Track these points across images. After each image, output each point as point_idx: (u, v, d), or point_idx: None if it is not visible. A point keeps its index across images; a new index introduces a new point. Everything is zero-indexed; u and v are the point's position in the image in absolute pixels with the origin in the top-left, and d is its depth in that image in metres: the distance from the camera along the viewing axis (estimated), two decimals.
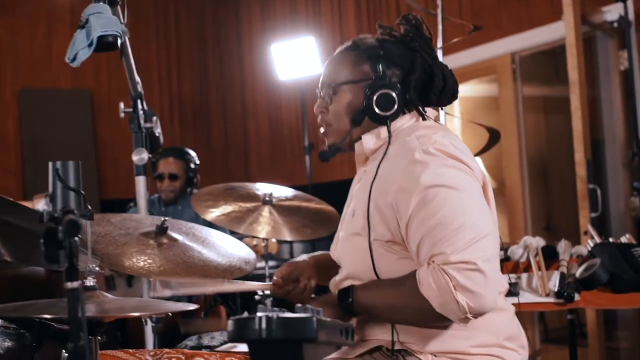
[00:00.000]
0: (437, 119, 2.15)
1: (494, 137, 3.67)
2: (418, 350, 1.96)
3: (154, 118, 3.32)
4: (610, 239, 3.21)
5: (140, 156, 3.14)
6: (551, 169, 6.97)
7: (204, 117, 8.24)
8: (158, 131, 3.34)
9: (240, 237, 3.91)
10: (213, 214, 3.23)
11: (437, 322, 1.90)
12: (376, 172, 2.01)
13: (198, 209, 3.29)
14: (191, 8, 8.19)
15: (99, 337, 1.96)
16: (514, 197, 5.86)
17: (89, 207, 1.72)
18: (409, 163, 1.93)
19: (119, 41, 2.41)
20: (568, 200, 5.38)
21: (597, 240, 3.18)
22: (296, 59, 6.28)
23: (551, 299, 2.87)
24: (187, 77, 8.16)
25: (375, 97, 2.05)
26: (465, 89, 7.28)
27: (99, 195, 7.39)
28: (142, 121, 3.26)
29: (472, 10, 5.89)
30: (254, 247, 3.98)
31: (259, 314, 1.36)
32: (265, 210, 3.27)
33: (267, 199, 3.27)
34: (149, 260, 2.67)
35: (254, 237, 3.76)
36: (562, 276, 2.92)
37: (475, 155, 4.84)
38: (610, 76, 5.10)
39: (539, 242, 3.13)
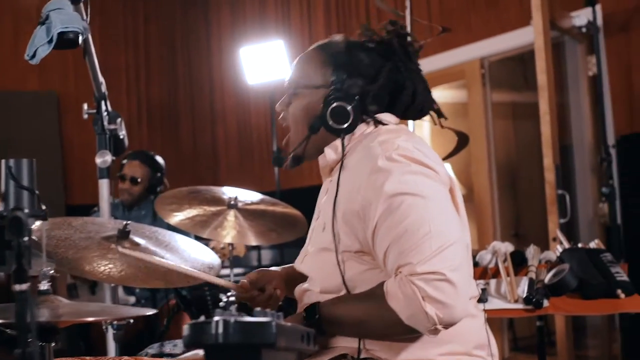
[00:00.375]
0: (399, 123, 2.10)
1: (463, 140, 3.63)
2: (384, 358, 1.91)
3: (118, 120, 3.25)
4: (579, 245, 3.18)
5: (104, 158, 3.08)
6: (520, 175, 6.96)
7: (173, 121, 8.16)
8: (122, 133, 3.28)
9: (207, 240, 3.86)
10: (177, 217, 3.16)
11: (406, 334, 1.84)
12: (338, 184, 1.97)
13: (162, 213, 3.22)
14: (160, 10, 8.11)
15: (54, 344, 1.90)
16: (483, 203, 5.85)
17: (43, 206, 1.66)
18: (372, 171, 1.87)
19: (80, 38, 2.36)
20: (537, 206, 5.38)
21: (566, 245, 3.15)
22: (265, 62, 6.23)
23: (520, 306, 2.83)
24: (155, 81, 8.08)
25: (330, 110, 2.01)
26: (435, 95, 7.24)
27: (65, 199, 7.29)
28: (105, 123, 3.19)
29: (441, 15, 5.88)
30: (220, 250, 3.92)
31: (216, 318, 1.31)
32: (231, 214, 3.21)
33: (232, 202, 3.21)
34: (110, 265, 2.61)
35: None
36: (531, 282, 2.89)
37: (444, 159, 4.84)
38: (578, 81, 5.10)
39: (507, 247, 3.10)
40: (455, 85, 6.74)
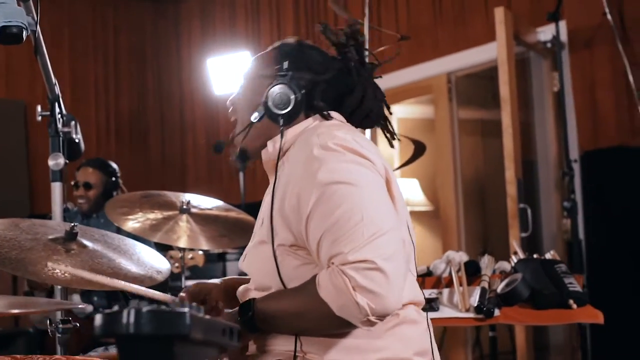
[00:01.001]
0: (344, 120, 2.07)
1: (419, 149, 3.61)
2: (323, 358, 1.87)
3: (72, 122, 3.20)
4: (534, 256, 3.16)
5: (57, 161, 3.03)
6: (489, 193, 6.96)
7: (142, 132, 8.10)
8: (78, 137, 3.23)
9: (168, 249, 3.80)
10: (128, 221, 3.11)
11: (341, 327, 1.80)
12: (275, 176, 1.95)
13: (112, 216, 3.17)
14: (131, 22, 8.07)
15: None
16: (449, 219, 5.83)
17: None
18: (307, 160, 1.84)
19: (24, 33, 2.30)
20: (504, 224, 5.36)
21: (522, 256, 3.13)
22: (232, 73, 6.20)
23: (471, 315, 2.80)
24: (125, 91, 8.02)
25: (271, 93, 1.99)
26: (403, 110, 7.28)
27: (30, 209, 7.20)
28: (59, 125, 3.14)
29: (409, 29, 5.88)
30: (179, 260, 3.86)
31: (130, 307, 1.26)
32: (183, 219, 3.17)
33: (184, 207, 3.17)
34: (55, 267, 2.56)
35: (180, 249, 3.65)
36: (483, 291, 2.86)
37: (401, 166, 4.84)
38: (543, 97, 5.10)
39: (462, 257, 3.08)
40: (423, 101, 6.74)
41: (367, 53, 2.13)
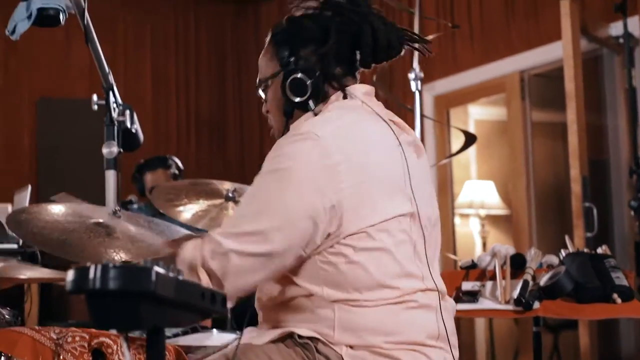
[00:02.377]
0: (369, 93, 2.04)
1: (470, 140, 3.55)
2: (331, 341, 1.86)
3: (127, 112, 3.25)
4: (585, 250, 3.07)
5: (110, 149, 3.09)
6: (564, 197, 6.80)
7: (221, 131, 8.21)
8: (135, 127, 3.29)
9: None
10: (173, 208, 3.15)
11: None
12: None
13: (157, 203, 3.22)
14: (211, 22, 8.19)
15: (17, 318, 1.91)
16: (520, 222, 5.70)
17: None
18: None
19: (61, 16, 2.36)
20: None
21: (571, 250, 3.04)
22: None
23: (509, 307, 2.74)
24: (205, 91, 8.15)
25: (286, 88, 1.97)
26: (479, 112, 7.18)
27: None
28: (114, 114, 3.20)
29: (482, 27, 5.80)
30: None
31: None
32: (228, 207, 3.19)
33: (230, 195, 3.19)
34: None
35: None
36: (525, 284, 2.79)
37: (450, 156, 4.76)
38: (616, 95, 4.95)
39: (508, 250, 3.01)
40: (498, 102, 6.63)
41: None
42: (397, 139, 1.96)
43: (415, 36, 2.10)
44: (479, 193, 6.94)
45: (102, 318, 1.29)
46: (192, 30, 8.15)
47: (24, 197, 3.90)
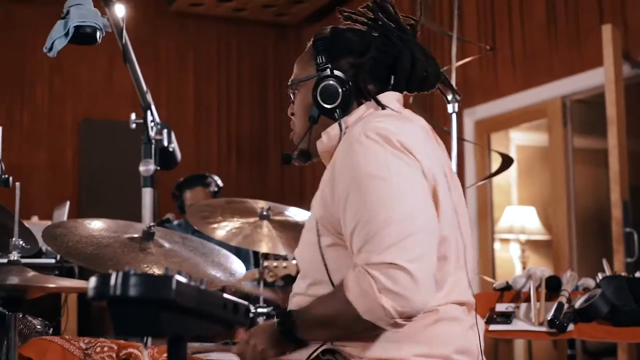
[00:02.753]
0: (400, 101, 2.04)
1: (507, 162, 3.52)
2: (356, 355, 1.84)
3: (165, 131, 3.28)
4: (623, 273, 3.02)
5: (147, 167, 3.12)
6: (606, 224, 6.71)
7: (262, 155, 8.26)
8: (172, 146, 3.31)
9: (265, 257, 3.83)
10: (208, 226, 3.17)
11: (371, 330, 1.76)
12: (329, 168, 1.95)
13: (192, 219, 3.24)
14: (253, 46, 8.27)
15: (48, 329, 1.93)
16: (561, 249, 5.63)
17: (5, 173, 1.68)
18: (348, 150, 1.82)
19: (98, 34, 2.40)
20: None
21: (608, 273, 2.99)
22: None
23: (543, 328, 2.70)
24: (246, 114, 8.21)
25: (318, 91, 1.97)
26: (521, 137, 7.13)
27: (158, 216, 7.44)
28: (151, 132, 3.22)
29: (524, 52, 5.78)
30: (273, 268, 3.88)
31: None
32: (263, 225, 3.20)
33: (264, 213, 3.21)
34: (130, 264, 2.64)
35: (277, 257, 3.69)
36: (560, 306, 2.75)
37: (485, 179, 4.72)
38: None
39: (543, 272, 2.98)
40: (540, 128, 6.58)
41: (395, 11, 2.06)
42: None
43: (448, 82, 2.13)
44: (520, 218, 6.89)
45: (123, 325, 1.29)
46: (234, 54, 8.23)
47: (63, 213, 3.96)
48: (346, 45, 2.01)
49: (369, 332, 1.79)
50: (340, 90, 1.96)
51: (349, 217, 1.76)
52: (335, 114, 1.97)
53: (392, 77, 2.02)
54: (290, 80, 2.12)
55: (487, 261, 6.16)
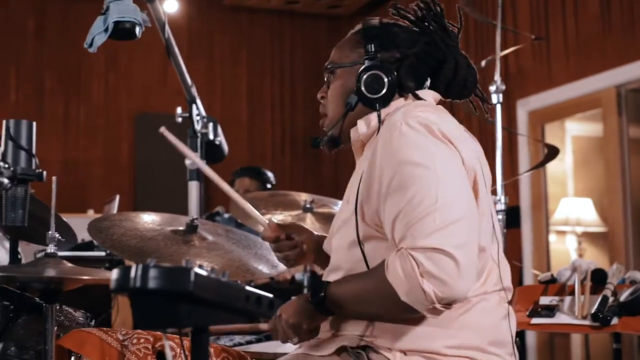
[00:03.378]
0: (440, 103, 2.03)
1: (552, 153, 3.46)
2: (386, 347, 1.83)
3: (210, 124, 3.30)
4: None
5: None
6: None
7: (315, 149, 8.24)
8: (219, 139, 3.34)
9: None
10: (251, 219, 3.18)
11: (406, 312, 1.75)
12: (362, 155, 1.95)
13: (236, 213, 3.27)
14: (306, 39, 8.29)
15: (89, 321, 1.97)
16: (617, 240, 5.53)
17: (39, 168, 1.72)
18: (389, 139, 1.81)
19: (137, 29, 2.42)
20: None
21: None
22: None
23: (586, 322, 2.66)
24: (299, 108, 8.24)
25: (363, 79, 1.95)
26: (576, 128, 7.01)
27: (206, 209, 7.52)
28: (197, 126, 3.25)
29: (577, 41, 5.68)
30: None
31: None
32: (306, 218, 3.20)
33: (307, 206, 3.21)
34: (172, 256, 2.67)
35: None
36: (604, 299, 2.71)
37: (531, 170, 4.65)
38: None
39: (589, 265, 2.93)
40: (595, 118, 6.47)
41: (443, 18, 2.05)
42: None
43: (482, 94, 2.11)
44: (576, 210, 6.78)
45: (143, 316, 1.31)
46: (287, 47, 8.26)
47: (113, 206, 4.02)
48: (394, 38, 2.00)
49: (403, 315, 1.78)
50: (386, 80, 1.95)
51: (392, 205, 1.76)
52: (376, 104, 1.96)
53: (430, 79, 2.02)
54: (328, 64, 2.10)
55: (541, 253, 6.09)
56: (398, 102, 1.97)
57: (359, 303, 1.82)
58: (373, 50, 1.97)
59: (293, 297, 1.93)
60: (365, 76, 1.95)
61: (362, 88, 1.95)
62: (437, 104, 2.02)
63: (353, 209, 1.88)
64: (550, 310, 2.77)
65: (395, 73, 1.97)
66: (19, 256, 2.92)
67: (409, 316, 1.79)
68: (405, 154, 1.77)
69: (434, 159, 1.75)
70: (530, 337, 5.88)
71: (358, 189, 1.89)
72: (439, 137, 1.79)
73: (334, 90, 2.07)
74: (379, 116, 1.94)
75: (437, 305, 1.67)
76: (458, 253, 1.65)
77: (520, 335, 3.41)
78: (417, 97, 1.97)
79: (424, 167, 1.74)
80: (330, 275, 1.98)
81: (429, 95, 2.00)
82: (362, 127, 1.98)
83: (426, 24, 2.02)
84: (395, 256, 1.71)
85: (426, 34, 2.01)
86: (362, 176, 1.88)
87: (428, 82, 2.03)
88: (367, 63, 1.97)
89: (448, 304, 1.68)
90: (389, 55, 1.98)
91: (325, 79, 2.13)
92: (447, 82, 2.01)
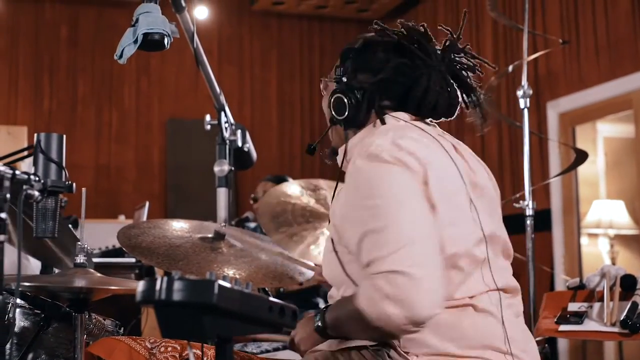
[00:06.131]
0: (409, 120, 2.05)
1: (580, 158, 3.45)
2: (402, 350, 1.86)
3: (239, 131, 3.33)
4: None
5: (221, 167, 3.19)
6: None
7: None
8: (247, 146, 3.36)
9: None
10: (277, 227, 3.20)
11: (386, 336, 1.80)
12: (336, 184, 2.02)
13: (261, 220, 3.28)
14: (336, 42, 8.31)
15: (119, 328, 2.00)
16: None
17: (68, 180, 1.75)
18: (350, 171, 1.88)
19: (166, 40, 2.45)
20: None
21: None
22: None
23: (615, 329, 2.64)
24: None
25: (331, 100, 2.02)
26: (608, 129, 6.97)
27: (236, 214, 7.57)
28: (226, 133, 3.28)
29: (608, 41, 5.64)
30: None
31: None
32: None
33: None
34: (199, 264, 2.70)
35: None
36: (633, 305, 2.69)
37: (560, 174, 4.62)
38: None
39: (618, 270, 2.91)
40: (625, 118, 6.42)
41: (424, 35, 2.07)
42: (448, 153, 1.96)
43: (481, 108, 2.11)
44: (608, 212, 6.73)
45: (169, 327, 1.34)
46: (316, 51, 8.29)
47: (143, 213, 4.06)
48: (369, 62, 2.03)
49: (387, 338, 1.82)
50: (346, 102, 1.99)
51: (352, 237, 1.81)
52: (341, 125, 2.03)
53: (406, 99, 2.04)
54: (322, 76, 2.18)
55: (573, 257, 6.05)
56: (368, 127, 2.02)
57: (348, 329, 1.87)
58: (341, 72, 2.03)
59: (304, 315, 1.99)
60: (331, 98, 2.02)
61: (331, 108, 2.03)
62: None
63: (331, 234, 1.95)
64: (579, 317, 2.75)
65: (364, 95, 2.00)
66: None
67: (391, 338, 1.82)
68: (358, 187, 1.83)
69: (384, 186, 1.80)
70: (562, 342, 5.85)
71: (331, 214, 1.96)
72: (389, 161, 1.82)
73: (323, 103, 2.14)
74: (345, 137, 2.03)
75: (406, 327, 1.69)
76: (414, 270, 1.67)
77: (550, 341, 3.40)
78: (381, 119, 2.00)
79: (375, 197, 1.78)
80: (333, 291, 2.02)
81: (403, 117, 2.02)
82: (340, 155, 2.07)
83: (404, 44, 2.03)
84: (363, 283, 1.75)
85: (405, 53, 2.02)
86: (335, 203, 1.95)
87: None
88: (337, 86, 2.03)
89: (416, 323, 1.69)
90: (362, 78, 2.02)
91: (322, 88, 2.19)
92: (417, 102, 2.02)
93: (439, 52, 2.05)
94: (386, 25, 2.07)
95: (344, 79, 2.02)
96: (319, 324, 1.88)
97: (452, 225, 1.86)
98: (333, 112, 2.02)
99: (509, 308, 1.93)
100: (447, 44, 2.07)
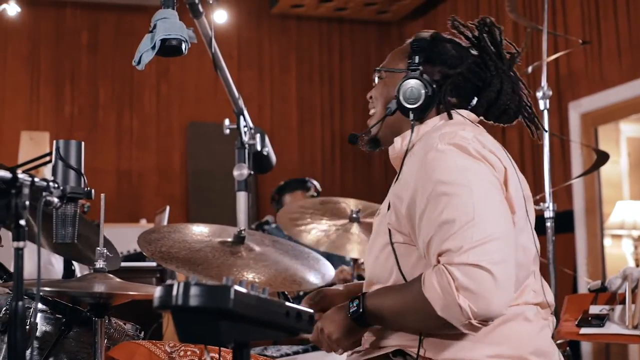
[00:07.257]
0: (475, 121, 2.05)
1: (601, 159, 3.43)
2: (427, 357, 1.85)
3: (258, 135, 3.33)
4: None
5: (241, 172, 3.19)
6: None
7: (366, 156, 8.26)
8: (267, 150, 3.36)
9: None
10: (298, 228, 3.21)
11: (442, 329, 1.78)
12: (400, 171, 1.97)
13: (283, 222, 3.29)
14: (355, 45, 8.30)
15: (139, 332, 2.02)
16: None
17: (87, 186, 1.76)
18: (425, 159, 1.85)
19: (184, 46, 2.46)
20: None
21: None
22: None
23: (637, 332, 2.62)
24: (349, 113, 8.25)
25: (402, 88, 2.00)
26: (631, 129, 6.91)
27: (256, 218, 7.57)
28: (245, 137, 3.28)
29: (630, 41, 5.60)
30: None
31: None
32: (353, 228, 3.21)
33: (354, 215, 3.21)
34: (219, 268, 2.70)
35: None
36: None
37: (582, 175, 4.59)
38: None
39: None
40: None
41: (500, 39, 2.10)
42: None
43: (537, 121, 2.12)
44: (631, 213, 6.67)
45: (186, 332, 1.34)
46: (336, 54, 8.28)
47: (163, 217, 4.07)
48: (442, 54, 2.04)
49: (440, 331, 1.80)
50: (423, 93, 1.98)
51: (428, 223, 1.78)
52: (410, 114, 1.99)
53: (476, 98, 2.05)
54: (380, 66, 2.17)
55: (596, 258, 6.01)
56: (434, 120, 2.01)
57: (396, 317, 1.85)
58: (417, 62, 2.02)
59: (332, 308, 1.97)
60: (404, 85, 2.00)
61: (400, 96, 2.00)
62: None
63: (386, 225, 1.93)
64: (600, 320, 2.74)
65: (437, 88, 2.00)
66: (73, 268, 2.99)
67: (447, 332, 1.80)
68: (441, 174, 1.80)
69: (470, 178, 1.78)
70: (585, 345, 5.81)
71: (388, 206, 1.93)
72: (475, 156, 1.82)
73: (378, 93, 2.14)
74: (412, 128, 2.00)
75: (473, 322, 1.68)
76: (495, 269, 1.66)
77: (573, 344, 3.38)
78: (450, 114, 2.00)
79: (459, 186, 1.77)
80: (369, 289, 2.00)
81: (467, 115, 2.03)
82: (397, 144, 2.04)
83: (480, 43, 2.05)
84: (432, 272, 1.72)
85: (478, 53, 2.05)
86: (396, 195, 1.92)
87: (475, 101, 2.05)
88: (409, 73, 2.00)
89: (484, 321, 1.69)
90: (433, 70, 2.02)
91: (375, 81, 2.17)
92: (488, 104, 2.04)
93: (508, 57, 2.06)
94: (408, 26, 2.08)
95: (420, 69, 2.01)
96: (357, 309, 1.86)
97: (521, 233, 1.86)
98: (403, 99, 2.00)
99: (547, 322, 1.94)
100: (513, 53, 2.07)
